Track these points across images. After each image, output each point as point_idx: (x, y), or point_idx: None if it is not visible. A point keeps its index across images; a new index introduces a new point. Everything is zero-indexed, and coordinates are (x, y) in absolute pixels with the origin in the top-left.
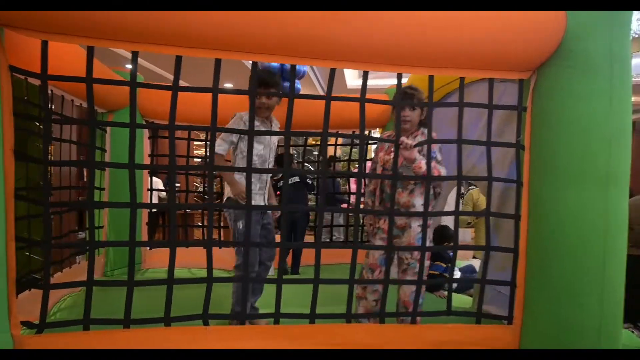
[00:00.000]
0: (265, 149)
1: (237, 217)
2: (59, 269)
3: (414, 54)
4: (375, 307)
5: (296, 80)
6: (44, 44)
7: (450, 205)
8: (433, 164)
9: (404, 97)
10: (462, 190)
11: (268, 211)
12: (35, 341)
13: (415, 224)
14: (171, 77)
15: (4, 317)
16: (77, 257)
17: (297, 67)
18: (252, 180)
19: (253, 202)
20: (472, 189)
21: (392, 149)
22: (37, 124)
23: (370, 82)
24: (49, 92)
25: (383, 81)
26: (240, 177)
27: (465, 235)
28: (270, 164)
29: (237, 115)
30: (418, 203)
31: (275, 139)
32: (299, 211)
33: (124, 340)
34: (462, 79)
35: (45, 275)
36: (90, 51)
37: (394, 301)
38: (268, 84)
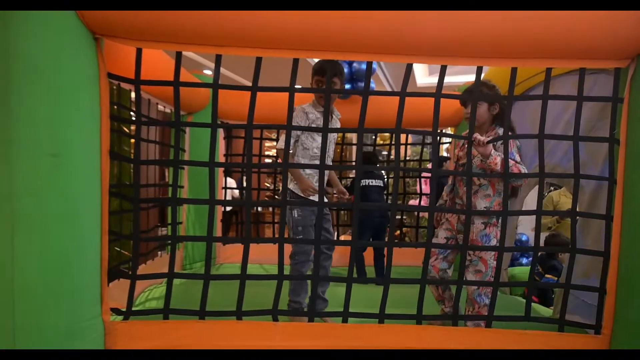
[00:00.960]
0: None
1: (293, 205)
2: (143, 261)
3: (494, 45)
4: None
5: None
6: (138, 52)
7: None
8: (511, 162)
9: (469, 94)
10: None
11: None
12: (122, 327)
13: (479, 221)
14: (238, 78)
15: (97, 304)
16: (159, 251)
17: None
18: (311, 173)
19: (311, 196)
20: (552, 191)
21: (465, 145)
22: (127, 125)
23: (446, 79)
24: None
25: (456, 78)
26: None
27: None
28: (330, 158)
29: (298, 108)
30: (480, 205)
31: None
32: (378, 210)
33: (199, 330)
34: (548, 69)
35: (133, 266)
36: (178, 56)
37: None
38: (326, 73)
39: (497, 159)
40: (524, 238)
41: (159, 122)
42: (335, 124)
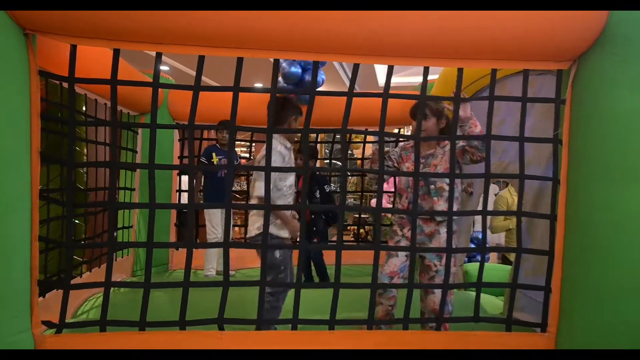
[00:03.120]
0: (295, 177)
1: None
2: (90, 268)
3: (442, 46)
4: (392, 312)
5: (320, 72)
6: (73, 48)
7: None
8: (473, 122)
9: (416, 109)
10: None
11: None
12: (54, 340)
13: (444, 230)
14: (207, 79)
15: (26, 316)
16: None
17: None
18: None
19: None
20: (505, 190)
21: (420, 160)
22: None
23: (401, 80)
24: (84, 95)
25: (414, 78)
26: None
27: (501, 239)
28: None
29: (264, 153)
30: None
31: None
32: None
33: (139, 342)
34: (494, 71)
35: (66, 276)
36: (115, 54)
37: (417, 308)
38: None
39: (476, 121)
40: (480, 236)
41: (93, 121)
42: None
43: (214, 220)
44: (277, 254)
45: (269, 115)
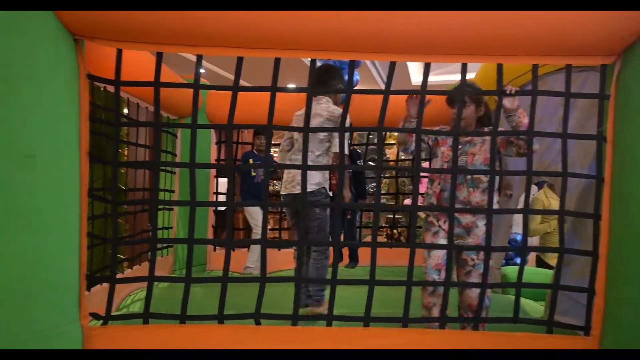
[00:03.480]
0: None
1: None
2: (131, 265)
3: (479, 42)
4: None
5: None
6: (118, 52)
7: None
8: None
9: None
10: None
11: None
12: (100, 332)
13: (482, 223)
14: (243, 82)
15: (75, 308)
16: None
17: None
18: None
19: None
20: (541, 192)
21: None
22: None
23: (437, 78)
24: (126, 99)
25: (450, 77)
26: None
27: (530, 242)
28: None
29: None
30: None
31: None
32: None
33: (179, 334)
34: (535, 66)
35: (112, 270)
36: (158, 57)
37: (454, 305)
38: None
39: (524, 112)
40: (518, 238)
41: (136, 123)
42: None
43: (257, 221)
44: (319, 210)
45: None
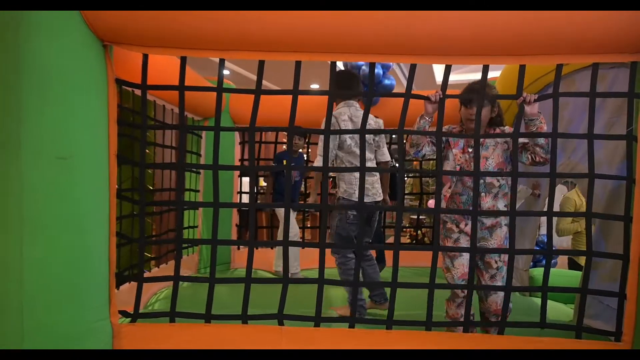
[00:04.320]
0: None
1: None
2: (158, 264)
3: (501, 42)
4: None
5: (389, 77)
6: (145, 57)
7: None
8: (541, 120)
9: (469, 93)
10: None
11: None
12: (129, 329)
13: (505, 223)
14: (266, 83)
15: (105, 306)
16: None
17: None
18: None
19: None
20: (572, 191)
21: (469, 148)
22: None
23: (459, 77)
24: (153, 102)
25: (473, 75)
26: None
27: (562, 242)
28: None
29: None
30: (501, 207)
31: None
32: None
33: (204, 333)
34: (559, 66)
35: (139, 269)
36: (182, 61)
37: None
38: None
39: (543, 119)
40: (546, 239)
41: (163, 125)
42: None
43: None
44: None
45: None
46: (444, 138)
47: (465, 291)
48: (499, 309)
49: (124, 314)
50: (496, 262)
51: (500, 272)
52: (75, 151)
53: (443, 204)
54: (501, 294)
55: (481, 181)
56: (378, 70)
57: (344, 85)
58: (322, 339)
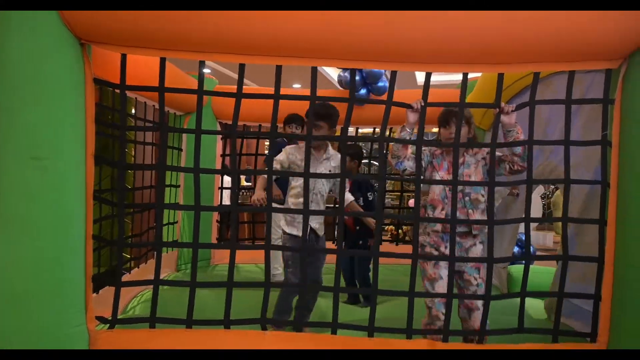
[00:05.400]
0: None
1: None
2: (137, 264)
3: (481, 50)
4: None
5: (383, 79)
6: (123, 57)
7: (533, 212)
8: (519, 130)
9: (447, 115)
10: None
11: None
12: (107, 335)
13: (480, 242)
14: (247, 81)
15: (81, 312)
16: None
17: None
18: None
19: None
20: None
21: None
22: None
23: (441, 78)
24: (134, 99)
25: (455, 76)
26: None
27: (546, 240)
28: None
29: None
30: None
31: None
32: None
33: (185, 339)
34: (536, 74)
35: (117, 274)
36: (162, 62)
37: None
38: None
39: (520, 129)
40: (523, 237)
41: (143, 127)
42: (326, 164)
43: (277, 222)
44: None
45: (308, 121)
46: (427, 159)
47: (443, 312)
48: (478, 328)
49: (101, 320)
50: (475, 278)
51: (480, 289)
52: (51, 151)
53: (439, 228)
54: (479, 313)
55: (467, 198)
56: (357, 77)
57: (323, 115)
58: (304, 343)
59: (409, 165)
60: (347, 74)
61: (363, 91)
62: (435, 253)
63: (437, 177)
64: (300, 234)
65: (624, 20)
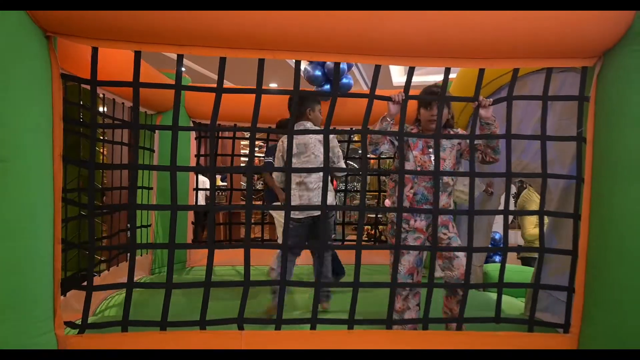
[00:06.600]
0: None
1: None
2: (108, 266)
3: (461, 45)
4: (418, 311)
5: (347, 76)
6: (94, 50)
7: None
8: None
9: (430, 95)
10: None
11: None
12: (77, 341)
13: (451, 223)
14: (227, 82)
15: (49, 318)
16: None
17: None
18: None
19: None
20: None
21: (428, 149)
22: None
23: (417, 79)
24: (102, 95)
25: (431, 77)
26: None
27: (517, 238)
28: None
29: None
30: (451, 205)
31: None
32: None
33: (160, 341)
34: (515, 70)
35: (88, 277)
36: (137, 56)
37: (438, 308)
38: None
39: (497, 123)
40: (497, 236)
41: (114, 125)
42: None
43: (278, 222)
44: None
45: (291, 112)
46: (404, 138)
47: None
48: (455, 309)
49: (70, 325)
50: (445, 234)
51: (453, 241)
52: (17, 152)
53: (406, 203)
54: (463, 257)
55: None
56: (343, 65)
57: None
58: (282, 342)
59: (385, 148)
60: (310, 68)
61: (327, 87)
62: (406, 227)
63: (411, 156)
64: (300, 217)
65: (600, 20)
